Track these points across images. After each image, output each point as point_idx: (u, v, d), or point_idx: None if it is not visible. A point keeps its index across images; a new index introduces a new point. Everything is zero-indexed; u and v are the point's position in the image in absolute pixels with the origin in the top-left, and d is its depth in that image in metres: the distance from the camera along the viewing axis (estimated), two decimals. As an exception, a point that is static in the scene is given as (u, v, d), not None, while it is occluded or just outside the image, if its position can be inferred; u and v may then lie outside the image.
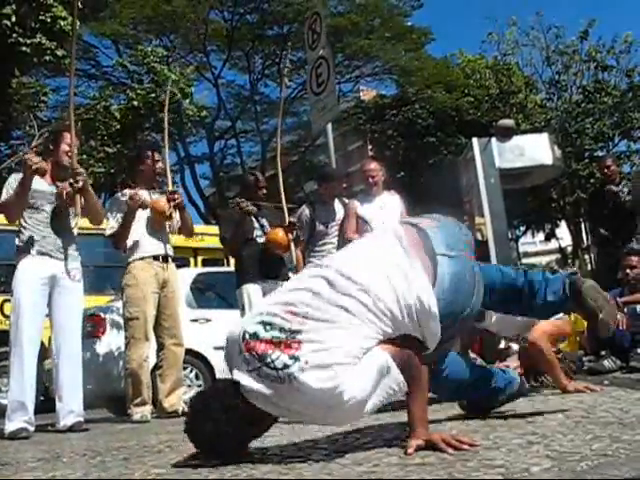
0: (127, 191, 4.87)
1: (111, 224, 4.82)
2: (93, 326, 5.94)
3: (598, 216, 6.98)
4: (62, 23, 11.80)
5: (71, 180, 4.11)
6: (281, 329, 2.06)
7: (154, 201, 4.85)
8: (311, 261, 5.64)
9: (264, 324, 2.10)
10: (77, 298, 4.35)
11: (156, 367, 4.91)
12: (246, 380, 2.06)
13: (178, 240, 5.41)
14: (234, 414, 2.11)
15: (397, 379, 2.08)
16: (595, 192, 7.70)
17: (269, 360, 2.01)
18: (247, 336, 2.10)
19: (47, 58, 12.05)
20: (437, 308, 2.14)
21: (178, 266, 5.33)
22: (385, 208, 5.71)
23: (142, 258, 4.81)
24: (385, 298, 2.10)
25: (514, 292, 2.64)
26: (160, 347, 4.91)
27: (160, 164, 5.05)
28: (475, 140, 7.90)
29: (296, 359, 1.98)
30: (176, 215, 4.91)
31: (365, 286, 2.11)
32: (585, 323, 5.24)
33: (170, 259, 4.97)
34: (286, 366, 1.98)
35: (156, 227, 4.89)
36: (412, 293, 2.12)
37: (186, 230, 5.07)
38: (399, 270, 2.16)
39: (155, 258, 4.86)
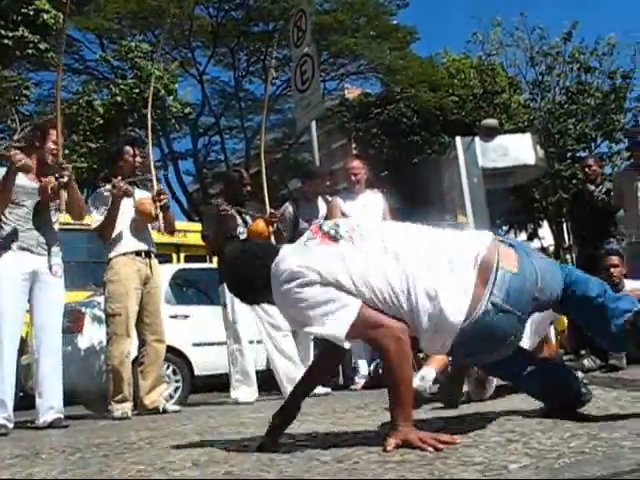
0: (109, 185, 4.84)
1: (97, 218, 4.79)
2: (72, 321, 5.90)
3: (578, 216, 7.04)
4: (45, 16, 11.69)
5: (56, 175, 4.08)
6: None
7: (139, 202, 4.83)
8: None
9: None
10: (58, 294, 4.31)
11: (137, 363, 4.89)
12: None
13: (160, 236, 5.39)
14: None
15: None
16: (576, 192, 7.76)
17: None
18: None
19: (30, 51, 11.95)
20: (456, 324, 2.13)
21: (160, 262, 5.30)
22: (368, 206, 5.73)
23: (125, 254, 4.78)
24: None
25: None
26: (141, 343, 4.89)
27: (139, 158, 5.01)
28: (458, 139, 7.94)
29: None
30: (161, 215, 4.88)
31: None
32: (566, 322, 5.31)
33: (153, 255, 4.95)
34: None
35: (139, 223, 4.87)
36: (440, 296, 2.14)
37: (168, 229, 5.04)
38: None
39: (138, 254, 4.83)
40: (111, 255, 4.79)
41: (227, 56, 21.54)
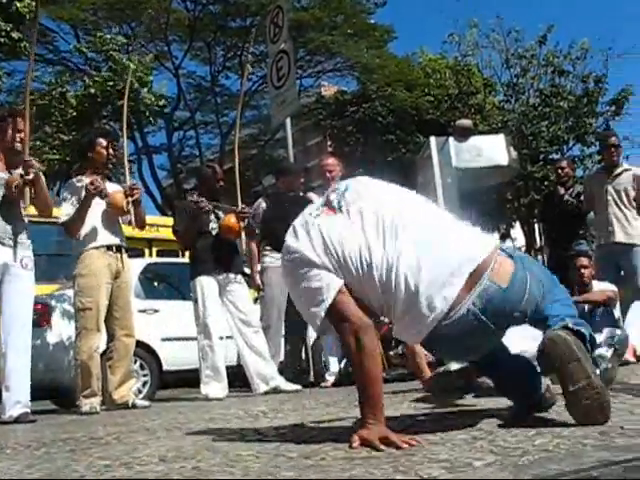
0: (85, 178, 4.79)
1: (66, 210, 4.73)
2: (38, 315, 5.82)
3: (549, 218, 7.12)
4: (19, 5, 11.51)
5: (22, 172, 4.03)
6: None
7: (112, 195, 4.79)
8: (265, 254, 5.65)
9: None
10: (28, 287, 4.26)
11: (106, 358, 4.85)
12: None
13: (132, 230, 5.35)
14: None
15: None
16: (547, 194, 7.84)
17: None
18: None
19: (2, 40, 11.76)
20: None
21: (131, 257, 5.27)
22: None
23: (96, 247, 4.75)
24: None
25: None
26: (111, 338, 4.85)
27: (112, 151, 4.96)
28: (432, 139, 7.96)
29: None
30: (132, 210, 4.84)
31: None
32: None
33: (123, 249, 4.91)
34: None
35: (109, 217, 4.83)
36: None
37: (138, 224, 4.99)
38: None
39: (109, 248, 4.80)
40: (82, 249, 4.74)
41: (203, 50, 21.43)
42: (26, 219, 4.31)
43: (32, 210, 4.38)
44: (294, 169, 5.98)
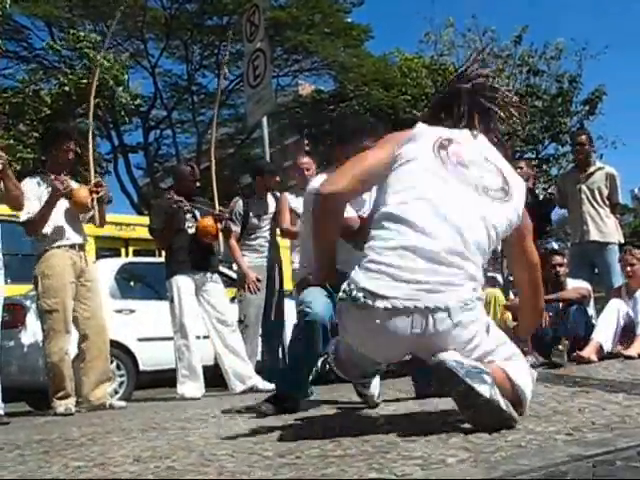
0: (46, 176, 4.70)
1: (27, 209, 4.56)
2: (13, 315, 5.75)
3: None
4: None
5: None
6: None
7: (75, 191, 4.69)
8: (244, 254, 5.64)
9: None
10: None
11: (79, 359, 4.77)
12: None
13: (109, 230, 5.30)
14: None
15: None
16: None
17: None
18: None
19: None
20: None
21: (108, 256, 5.22)
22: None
23: (59, 247, 4.64)
24: None
25: None
26: (82, 339, 4.75)
27: (71, 154, 4.82)
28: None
29: None
30: (96, 207, 4.76)
31: None
32: (511, 320, 5.42)
33: (85, 247, 4.83)
34: None
35: (72, 215, 4.73)
36: None
37: (99, 222, 4.89)
38: None
39: (72, 247, 4.70)
40: (45, 247, 4.63)
41: (180, 49, 21.28)
42: None
43: (3, 210, 4.32)
44: (269, 168, 5.97)
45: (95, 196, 4.69)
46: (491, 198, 2.22)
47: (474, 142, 2.35)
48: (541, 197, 6.89)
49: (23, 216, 4.61)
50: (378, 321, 2.01)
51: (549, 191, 6.85)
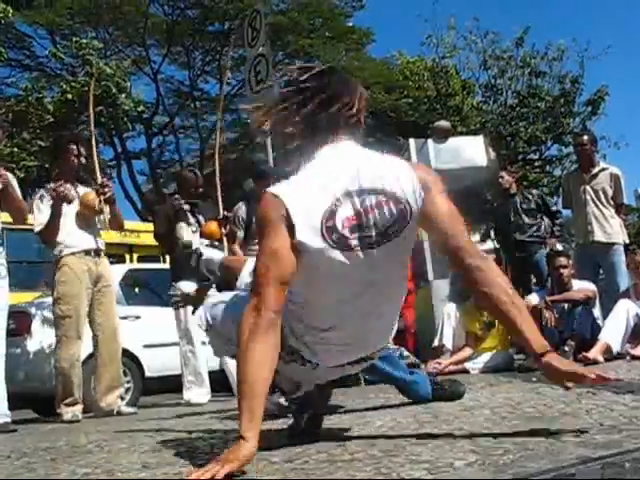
0: (51, 185, 4.73)
1: (39, 220, 4.65)
2: (18, 323, 5.77)
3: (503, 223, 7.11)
4: (-6, 11, 11.43)
5: None
6: None
7: (83, 195, 4.72)
8: (247, 260, 5.64)
9: None
10: (1, 295, 4.22)
11: (92, 365, 4.80)
12: None
13: (114, 236, 5.31)
14: None
15: None
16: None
17: None
18: None
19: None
20: None
21: (112, 263, 5.23)
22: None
23: (73, 253, 4.68)
24: None
25: None
26: (96, 344, 4.79)
27: (83, 159, 4.85)
28: (412, 140, 8.02)
29: None
30: (106, 209, 4.78)
31: None
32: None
33: (102, 253, 4.85)
34: None
35: (86, 221, 4.76)
36: None
37: (116, 224, 4.94)
38: None
39: (87, 253, 4.73)
40: (59, 255, 4.67)
41: (182, 55, 21.31)
42: (0, 226, 4.25)
43: (9, 218, 4.34)
44: (270, 172, 5.97)
45: (102, 197, 4.70)
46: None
47: None
48: (553, 208, 6.94)
49: (36, 227, 4.68)
50: None
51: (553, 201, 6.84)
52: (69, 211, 4.68)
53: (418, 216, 2.01)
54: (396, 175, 2.03)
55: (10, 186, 4.18)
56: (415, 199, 2.00)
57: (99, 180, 4.91)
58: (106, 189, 4.77)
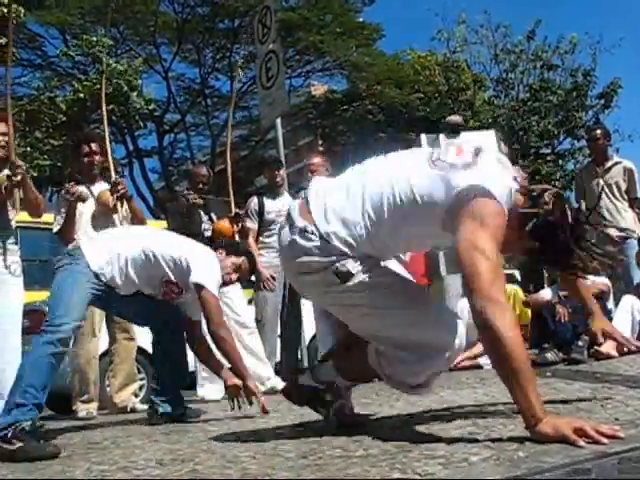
0: (65, 186, 4.77)
1: (58, 221, 4.70)
2: (33, 321, 5.79)
3: None
4: (4, 10, 11.48)
5: (9, 173, 4.00)
6: None
7: (99, 194, 4.75)
8: (261, 253, 5.65)
9: None
10: (17, 293, 4.24)
11: (108, 362, 4.83)
12: None
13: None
14: None
15: None
16: None
17: None
18: None
19: (-13, 46, 11.71)
20: None
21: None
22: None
23: None
24: None
25: None
26: (111, 341, 4.83)
27: (98, 157, 4.85)
28: (423, 136, 7.98)
29: None
30: (124, 206, 4.79)
31: None
32: (530, 316, 5.40)
33: None
34: None
35: (102, 221, 4.78)
36: None
37: (138, 220, 4.95)
38: None
39: None
40: None
41: (192, 53, 21.36)
42: (13, 224, 4.28)
43: (24, 217, 4.36)
44: (271, 161, 5.98)
45: (116, 195, 4.72)
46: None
47: None
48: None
49: (55, 228, 4.73)
50: None
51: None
52: (85, 211, 4.71)
53: None
54: None
55: (27, 177, 4.20)
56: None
57: (113, 178, 4.92)
58: (119, 187, 4.77)
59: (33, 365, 3.01)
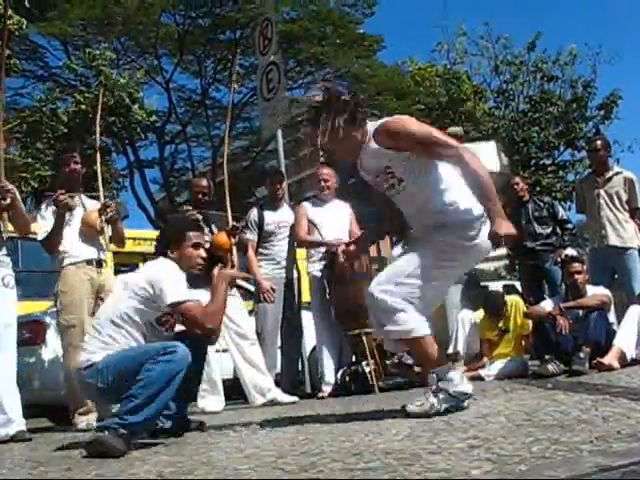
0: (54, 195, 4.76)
1: (43, 228, 4.66)
2: (33, 332, 5.79)
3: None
4: (8, 22, 11.53)
5: None
6: None
7: (85, 214, 4.74)
8: (260, 265, 5.65)
9: None
10: (11, 305, 4.24)
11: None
12: None
13: (127, 245, 5.32)
14: None
15: None
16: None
17: None
18: None
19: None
20: None
21: (126, 271, 5.22)
22: (335, 213, 5.76)
23: (74, 263, 4.68)
24: None
25: None
26: None
27: (76, 166, 4.84)
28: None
29: None
30: (108, 228, 4.79)
31: None
32: (530, 327, 5.38)
33: (104, 263, 4.86)
34: None
35: (90, 232, 4.78)
36: None
37: (117, 242, 4.95)
38: None
39: (88, 262, 4.73)
40: (62, 265, 4.68)
41: (194, 64, 21.44)
42: (5, 235, 4.29)
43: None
44: (272, 173, 6.00)
45: (104, 217, 4.72)
46: None
47: None
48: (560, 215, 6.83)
49: (40, 235, 4.68)
50: None
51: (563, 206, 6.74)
52: (72, 221, 4.70)
53: None
54: None
55: (17, 200, 4.22)
56: None
57: (102, 200, 4.91)
58: (108, 209, 4.77)
59: None
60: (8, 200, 4.02)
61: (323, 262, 5.53)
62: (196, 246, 3.54)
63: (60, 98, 16.16)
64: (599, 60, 20.60)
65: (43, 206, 4.78)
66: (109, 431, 2.79)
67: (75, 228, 4.71)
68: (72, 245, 4.69)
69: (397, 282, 2.92)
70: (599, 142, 6.59)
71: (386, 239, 6.90)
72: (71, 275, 4.65)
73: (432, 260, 2.95)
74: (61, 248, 4.67)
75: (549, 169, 20.75)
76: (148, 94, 19.36)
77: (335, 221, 5.68)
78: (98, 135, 5.63)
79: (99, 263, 4.78)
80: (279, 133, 6.67)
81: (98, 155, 5.26)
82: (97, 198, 4.96)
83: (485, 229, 2.92)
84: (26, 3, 11.34)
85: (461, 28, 21.49)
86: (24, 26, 11.67)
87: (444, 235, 2.95)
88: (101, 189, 5.05)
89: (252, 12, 17.98)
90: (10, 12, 11.45)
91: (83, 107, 14.24)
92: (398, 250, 7.08)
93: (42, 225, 4.67)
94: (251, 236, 5.63)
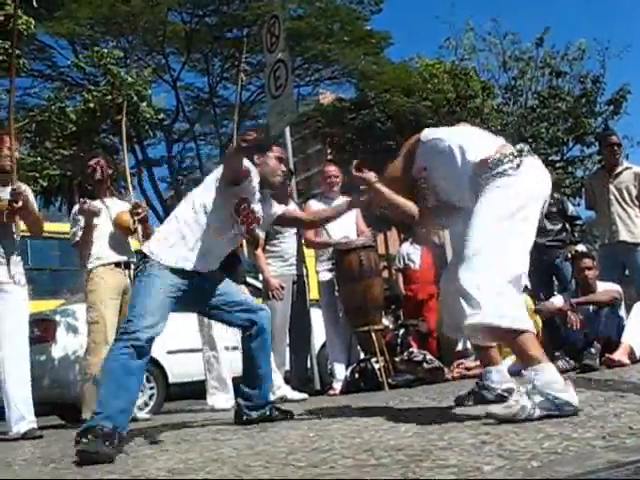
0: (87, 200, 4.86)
1: (76, 233, 4.84)
2: (43, 330, 5.82)
3: None
4: (18, 22, 11.55)
5: (10, 198, 4.06)
6: None
7: (118, 216, 4.86)
8: (269, 262, 5.64)
9: None
10: (22, 302, 4.30)
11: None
12: None
13: (136, 243, 5.36)
14: None
15: None
16: None
17: None
18: None
19: (0, 58, 11.80)
20: None
21: (136, 269, 5.26)
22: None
23: (103, 265, 4.81)
24: None
25: None
26: None
27: (99, 173, 4.95)
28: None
29: None
30: (140, 227, 4.88)
31: None
32: (540, 325, 5.37)
33: (132, 266, 4.94)
34: None
35: (118, 235, 4.89)
36: None
37: (146, 239, 5.03)
38: None
39: (117, 265, 4.85)
40: (90, 266, 4.81)
41: (201, 62, 21.47)
42: (17, 235, 4.33)
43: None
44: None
45: (136, 217, 4.81)
46: None
47: None
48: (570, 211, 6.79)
49: (72, 240, 4.89)
50: None
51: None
52: (103, 225, 4.83)
53: None
54: None
55: (29, 202, 4.28)
56: None
57: (132, 200, 5.01)
58: (139, 209, 4.86)
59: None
60: (20, 203, 4.07)
61: (331, 261, 5.54)
62: (280, 159, 3.64)
63: (68, 97, 16.20)
64: (608, 55, 20.45)
65: (75, 211, 4.94)
66: (91, 434, 2.68)
67: (105, 232, 4.86)
68: (102, 248, 4.85)
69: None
70: (614, 137, 6.56)
71: (394, 235, 6.88)
72: (99, 275, 4.79)
73: (501, 209, 2.79)
74: (91, 251, 4.83)
75: (558, 165, 20.64)
76: (156, 92, 19.35)
77: (342, 218, 5.67)
78: (125, 137, 5.75)
79: (127, 265, 4.90)
80: (287, 130, 6.66)
81: (125, 155, 5.34)
82: (122, 199, 5.09)
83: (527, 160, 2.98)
84: (34, 3, 11.35)
85: (469, 24, 21.40)
86: (32, 26, 11.69)
87: (487, 181, 2.86)
88: (131, 190, 5.16)
89: (259, 10, 17.98)
90: (19, 12, 11.49)
91: (91, 105, 14.26)
92: (407, 247, 7.09)
93: (74, 229, 4.86)
94: (260, 233, 5.63)
